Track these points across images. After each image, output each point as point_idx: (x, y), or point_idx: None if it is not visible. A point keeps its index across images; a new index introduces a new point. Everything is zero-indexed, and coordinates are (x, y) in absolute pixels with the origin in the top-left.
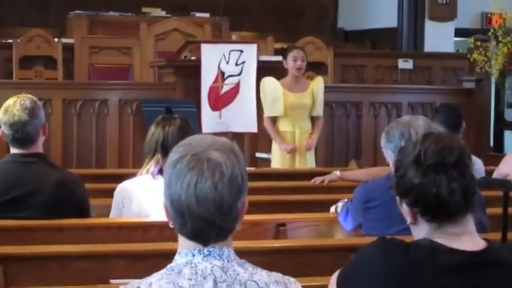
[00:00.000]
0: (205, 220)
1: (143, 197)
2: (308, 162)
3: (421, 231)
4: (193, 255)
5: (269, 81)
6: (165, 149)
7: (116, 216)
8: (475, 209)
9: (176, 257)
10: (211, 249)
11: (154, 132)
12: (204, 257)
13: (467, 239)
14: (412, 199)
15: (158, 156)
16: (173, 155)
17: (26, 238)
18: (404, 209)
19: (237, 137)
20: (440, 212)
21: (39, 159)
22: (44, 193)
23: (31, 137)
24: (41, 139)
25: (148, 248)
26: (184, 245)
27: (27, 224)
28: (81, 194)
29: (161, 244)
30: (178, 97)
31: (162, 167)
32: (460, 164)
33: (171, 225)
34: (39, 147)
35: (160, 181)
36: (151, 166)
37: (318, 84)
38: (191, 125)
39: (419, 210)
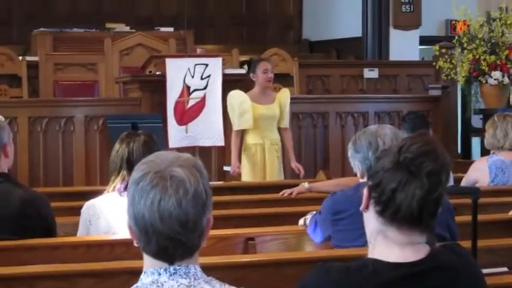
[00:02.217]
0: (170, 238)
1: (110, 214)
2: (277, 174)
3: (369, 221)
4: (159, 274)
5: (237, 94)
6: (130, 165)
7: (83, 234)
8: (426, 229)
9: (142, 276)
10: (177, 268)
11: (118, 149)
12: (170, 275)
13: (408, 250)
14: (373, 183)
15: (124, 173)
16: (136, 173)
17: None
18: (364, 192)
19: (204, 151)
20: (390, 209)
21: (4, 178)
22: (9, 212)
23: None
24: (4, 160)
25: (116, 266)
26: (149, 264)
27: None
28: (47, 213)
29: (129, 262)
30: (144, 112)
31: (128, 183)
32: (435, 177)
33: (135, 244)
34: (2, 168)
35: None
36: (117, 183)
37: (284, 95)
38: (156, 140)
39: (374, 197)
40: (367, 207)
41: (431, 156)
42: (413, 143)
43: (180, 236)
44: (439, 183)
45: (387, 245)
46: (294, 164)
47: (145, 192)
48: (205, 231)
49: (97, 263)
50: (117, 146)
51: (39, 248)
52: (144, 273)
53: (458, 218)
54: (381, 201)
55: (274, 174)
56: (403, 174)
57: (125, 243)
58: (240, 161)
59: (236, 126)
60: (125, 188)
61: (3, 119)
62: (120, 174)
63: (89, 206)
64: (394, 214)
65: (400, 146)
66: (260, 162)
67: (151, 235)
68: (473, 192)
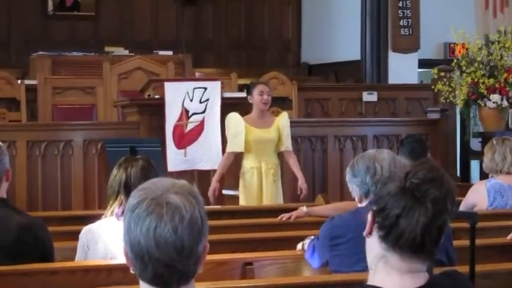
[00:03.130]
0: (166, 265)
1: (108, 239)
2: (275, 198)
3: (372, 246)
4: None
5: (232, 117)
6: (128, 189)
7: (81, 258)
8: (428, 257)
9: None
10: None
11: (116, 174)
12: None
13: (408, 277)
14: (378, 207)
15: (121, 197)
16: (132, 200)
17: None
18: (369, 217)
19: (203, 174)
20: (393, 234)
21: (2, 203)
22: (7, 238)
23: None
24: (4, 184)
25: None
26: None
27: None
28: (45, 238)
29: (128, 287)
30: (142, 136)
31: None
32: (439, 204)
33: (131, 271)
34: (1, 193)
35: None
36: (115, 208)
37: (283, 118)
38: (154, 165)
39: (378, 221)
40: (370, 232)
41: (437, 183)
42: (420, 170)
43: (176, 263)
44: (444, 210)
45: (388, 272)
46: (301, 183)
47: (141, 219)
48: (202, 257)
49: None
50: (115, 170)
51: (36, 273)
52: None
53: (456, 242)
54: (385, 226)
55: (270, 198)
56: (407, 200)
57: (122, 268)
58: (237, 184)
59: (228, 148)
60: (123, 213)
61: (1, 144)
62: (118, 198)
63: (87, 231)
64: (397, 240)
65: (406, 172)
66: (257, 186)
67: (147, 262)
68: (471, 217)
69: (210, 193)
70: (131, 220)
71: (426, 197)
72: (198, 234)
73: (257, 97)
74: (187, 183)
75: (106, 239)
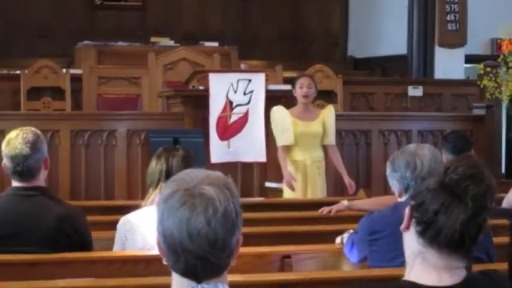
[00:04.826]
0: (199, 257)
1: (147, 229)
2: (319, 191)
3: (409, 242)
4: None
5: (278, 110)
6: (169, 178)
7: (119, 249)
8: (467, 254)
9: None
10: (205, 286)
11: (157, 163)
12: None
13: (446, 274)
14: (416, 202)
15: (162, 185)
16: (165, 190)
17: (27, 273)
18: (406, 211)
19: (246, 166)
20: (432, 231)
21: (40, 192)
22: (46, 227)
23: (32, 171)
24: (43, 173)
25: (150, 283)
26: (177, 283)
27: (28, 259)
28: (83, 228)
29: (163, 278)
30: (186, 127)
31: None
32: (479, 201)
33: (164, 262)
34: (40, 181)
35: None
36: (156, 196)
37: (328, 112)
38: (193, 156)
39: (416, 217)
40: (408, 227)
41: (477, 179)
42: (460, 165)
43: (209, 255)
44: (484, 208)
45: (425, 268)
46: (346, 180)
47: (174, 210)
48: (235, 250)
49: (132, 278)
50: (154, 161)
51: (74, 262)
52: None
53: (496, 239)
54: (423, 221)
55: (315, 191)
56: (446, 196)
57: (160, 260)
58: (280, 177)
59: (279, 142)
60: None
61: (39, 132)
62: (158, 187)
63: (125, 222)
64: (435, 236)
65: (446, 167)
66: (302, 179)
67: (180, 254)
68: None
69: (287, 183)
70: (164, 211)
71: (466, 193)
72: (231, 226)
73: (298, 90)
74: (222, 175)
75: (144, 230)
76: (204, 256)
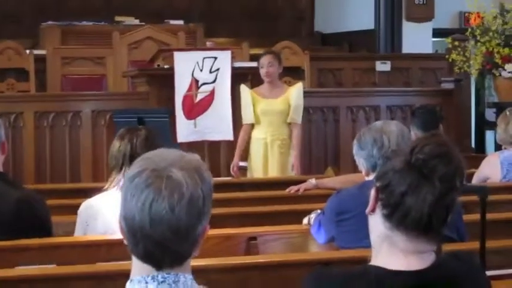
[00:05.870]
0: (158, 243)
1: (109, 213)
2: (280, 169)
3: (375, 225)
4: (146, 283)
5: (241, 89)
6: (133, 160)
7: (80, 235)
8: (435, 237)
9: (128, 285)
10: (166, 276)
11: (120, 145)
12: (158, 284)
13: (414, 258)
14: (381, 184)
15: (126, 169)
16: (133, 168)
17: None
18: (372, 193)
19: (213, 145)
20: (399, 213)
21: None
22: (4, 213)
23: None
24: (0, 158)
25: (112, 269)
26: (136, 267)
27: None
28: (43, 212)
29: (126, 263)
30: (152, 106)
31: None
32: (448, 181)
33: (125, 242)
34: None
35: None
36: (120, 180)
37: (295, 89)
38: (156, 135)
39: (381, 199)
40: (373, 210)
41: (445, 159)
42: (427, 144)
43: (169, 242)
44: (453, 188)
45: (392, 252)
46: (293, 161)
47: (138, 191)
48: (199, 240)
49: (94, 264)
50: (117, 142)
51: (34, 248)
52: (131, 281)
53: (467, 217)
54: (389, 204)
55: (277, 169)
56: (414, 176)
57: (122, 244)
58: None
59: (242, 120)
60: None
61: None
62: (122, 170)
63: (87, 206)
64: (402, 219)
65: (412, 147)
66: (262, 157)
67: (139, 238)
68: (481, 191)
69: (231, 169)
70: (128, 191)
71: (434, 173)
72: (197, 214)
73: (260, 69)
74: (196, 159)
75: (107, 214)
76: (163, 243)
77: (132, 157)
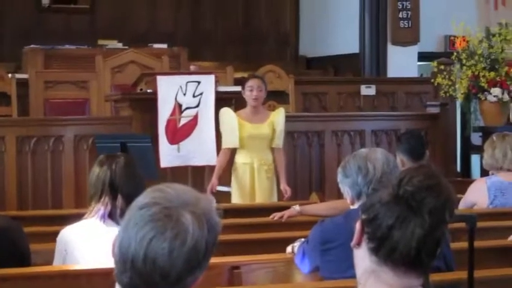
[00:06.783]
0: (144, 281)
1: (89, 242)
2: (267, 195)
3: (361, 259)
4: None
5: (225, 112)
6: (114, 189)
7: (59, 263)
8: (424, 271)
9: None
10: None
11: (99, 172)
12: None
13: None
14: (368, 217)
15: (106, 199)
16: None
17: None
18: (357, 227)
19: (197, 170)
20: (386, 247)
21: None
22: None
23: None
24: None
25: None
26: None
27: None
28: (20, 240)
29: None
30: (135, 131)
31: (111, 209)
32: (437, 214)
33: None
34: None
35: (110, 226)
36: (99, 209)
37: (278, 114)
38: (135, 162)
39: (368, 232)
40: (359, 244)
41: (435, 191)
42: (415, 176)
43: (155, 284)
44: (442, 222)
45: (378, 287)
46: (283, 186)
47: (143, 222)
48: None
49: None
50: (96, 169)
51: (13, 278)
52: None
53: (454, 245)
54: (376, 237)
55: (263, 195)
56: (402, 209)
57: (102, 274)
58: (230, 181)
59: (223, 144)
60: (109, 215)
61: None
62: (102, 199)
63: (65, 234)
64: (390, 253)
65: (400, 178)
66: (249, 183)
67: (128, 267)
68: (469, 219)
69: (208, 189)
70: (132, 218)
71: (422, 206)
72: (193, 266)
73: (248, 93)
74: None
75: (86, 243)
76: (150, 281)
77: (111, 185)
